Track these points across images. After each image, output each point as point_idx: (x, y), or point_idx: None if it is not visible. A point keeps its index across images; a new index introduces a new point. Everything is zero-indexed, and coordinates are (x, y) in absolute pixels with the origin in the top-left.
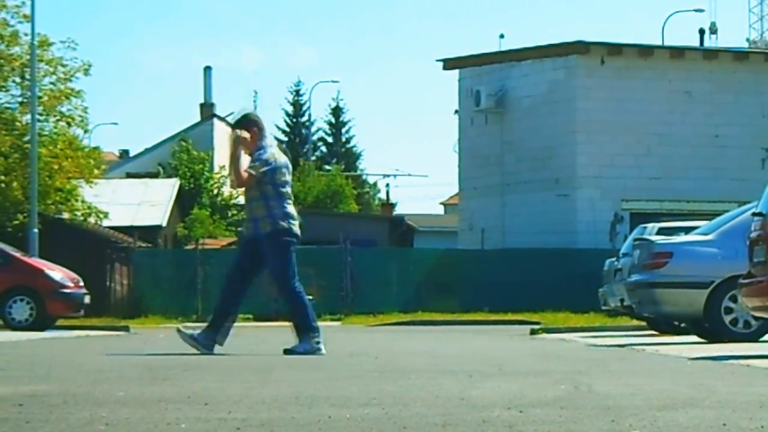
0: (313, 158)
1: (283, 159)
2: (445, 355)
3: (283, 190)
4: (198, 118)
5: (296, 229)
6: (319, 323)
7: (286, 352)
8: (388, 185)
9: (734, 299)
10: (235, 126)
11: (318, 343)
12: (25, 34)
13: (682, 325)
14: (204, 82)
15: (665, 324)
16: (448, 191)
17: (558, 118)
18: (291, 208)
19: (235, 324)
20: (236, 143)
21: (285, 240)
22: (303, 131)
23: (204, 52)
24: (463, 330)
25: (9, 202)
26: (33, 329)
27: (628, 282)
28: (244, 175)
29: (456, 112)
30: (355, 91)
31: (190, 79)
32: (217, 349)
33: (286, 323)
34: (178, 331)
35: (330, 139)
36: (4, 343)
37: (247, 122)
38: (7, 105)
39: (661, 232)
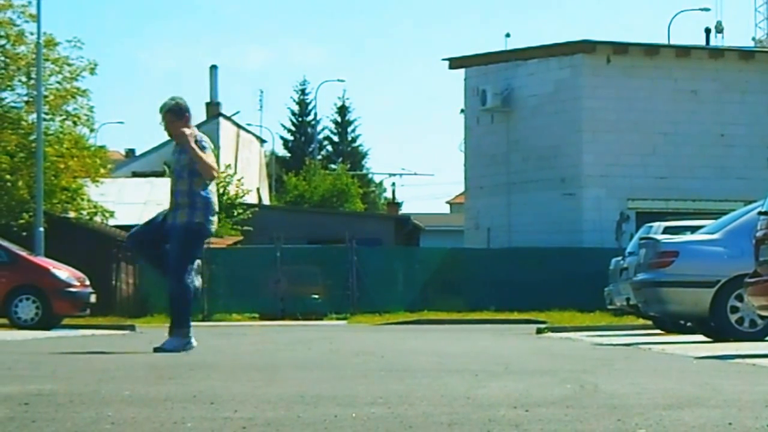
0: (319, 157)
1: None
2: (451, 354)
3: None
4: (204, 117)
5: (211, 224)
6: (326, 322)
7: (156, 350)
8: (393, 184)
9: (740, 298)
10: (171, 114)
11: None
12: (31, 34)
13: (688, 324)
14: (210, 81)
15: (671, 323)
16: (454, 190)
17: (564, 117)
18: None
19: (242, 323)
20: (191, 140)
21: (198, 234)
22: (309, 130)
23: (210, 51)
24: (469, 329)
25: (15, 201)
26: (39, 328)
27: (634, 281)
28: (214, 170)
29: (462, 111)
30: (360, 90)
31: (196, 78)
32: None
33: (293, 322)
34: (155, 349)
35: (336, 138)
36: (10, 342)
37: (181, 110)
38: (13, 104)
39: (667, 231)
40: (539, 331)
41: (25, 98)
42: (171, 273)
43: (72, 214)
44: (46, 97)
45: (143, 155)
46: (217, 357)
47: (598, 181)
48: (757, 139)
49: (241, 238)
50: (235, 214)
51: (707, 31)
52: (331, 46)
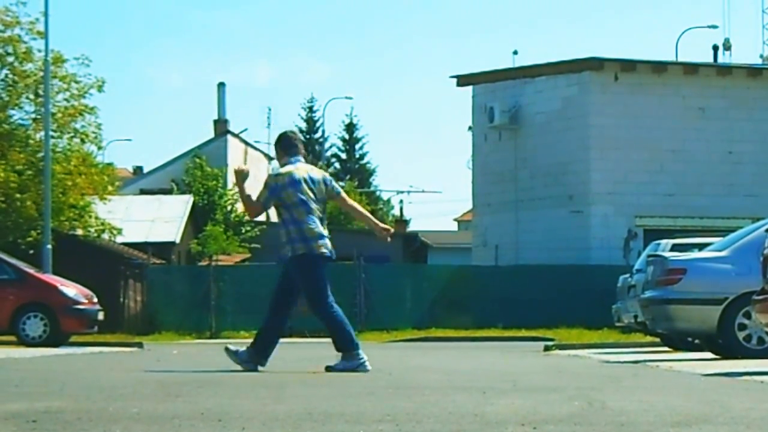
0: None
1: (294, 176)
2: (459, 372)
3: (298, 210)
4: (212, 135)
5: (318, 249)
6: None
7: (328, 369)
8: (401, 201)
9: (748, 316)
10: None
11: (360, 358)
12: (39, 51)
13: (696, 341)
14: (217, 98)
15: (679, 340)
16: (461, 207)
17: (571, 134)
18: (311, 227)
19: (250, 340)
20: (239, 179)
21: (307, 263)
22: (316, 147)
23: (217, 69)
24: (476, 346)
25: (23, 218)
26: (47, 345)
27: (642, 298)
28: (250, 208)
29: (470, 128)
30: (368, 107)
31: (204, 95)
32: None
33: (302, 339)
34: (226, 349)
35: (344, 156)
36: (18, 360)
37: (278, 142)
38: (20, 122)
39: (674, 248)
40: (547, 349)
41: (33, 116)
42: (311, 307)
43: (80, 232)
44: (53, 114)
45: (151, 173)
46: (224, 374)
47: (605, 199)
48: (765, 157)
49: (248, 255)
50: (243, 231)
51: (715, 48)
52: (339, 64)
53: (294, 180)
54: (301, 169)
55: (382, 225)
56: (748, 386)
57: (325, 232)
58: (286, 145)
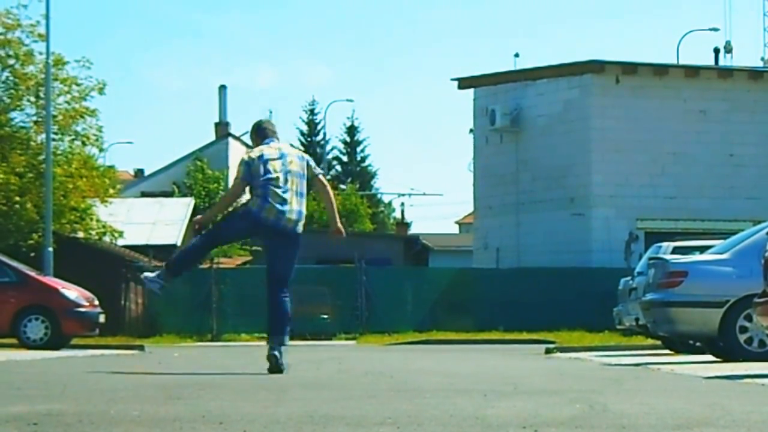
0: (328, 177)
1: (262, 153)
2: (460, 374)
3: (262, 180)
4: (213, 137)
5: (265, 214)
6: (335, 342)
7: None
8: (402, 204)
9: (749, 318)
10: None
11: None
12: (40, 53)
13: (697, 344)
14: (219, 101)
15: (680, 343)
16: (463, 210)
17: (573, 137)
18: (270, 198)
19: (251, 343)
20: (205, 221)
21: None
22: (318, 150)
23: (218, 71)
24: (477, 349)
25: (24, 221)
26: (48, 348)
27: (643, 301)
28: (232, 195)
29: (471, 131)
30: (369, 110)
31: (205, 98)
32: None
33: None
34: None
35: (345, 158)
36: (20, 362)
37: (251, 131)
38: (21, 124)
39: (676, 251)
40: (548, 351)
41: (34, 118)
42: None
43: (81, 234)
44: (54, 117)
45: (152, 175)
46: (226, 377)
47: (607, 201)
48: (767, 159)
49: (250, 258)
50: None
51: (716, 50)
52: (340, 67)
53: (262, 155)
54: (273, 147)
55: (339, 226)
56: (749, 389)
57: (293, 206)
58: (259, 131)
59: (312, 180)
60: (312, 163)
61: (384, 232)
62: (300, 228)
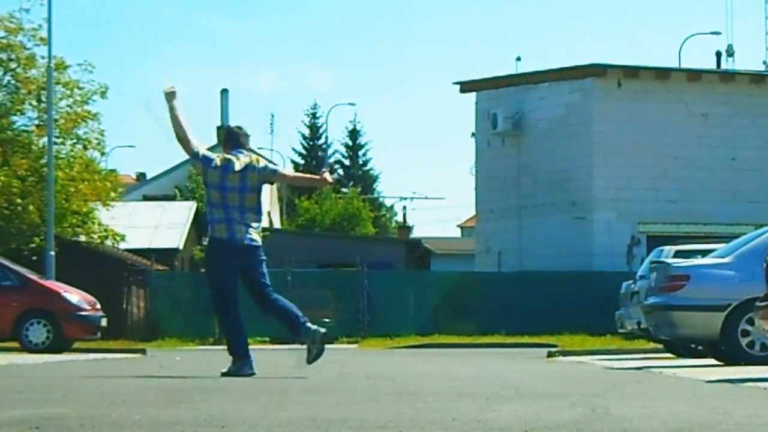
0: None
1: (221, 160)
2: (462, 378)
3: (209, 193)
4: (215, 141)
5: (217, 232)
6: (336, 345)
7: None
8: (404, 208)
9: (751, 322)
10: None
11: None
12: (42, 57)
13: (699, 347)
14: (221, 104)
15: (682, 347)
16: (464, 214)
17: (575, 140)
18: (215, 214)
19: (253, 347)
20: (169, 99)
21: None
22: (320, 154)
23: (220, 75)
24: (479, 353)
25: (26, 225)
26: (50, 352)
27: (645, 305)
28: (182, 138)
29: (473, 134)
30: (371, 113)
31: (207, 102)
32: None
33: (303, 345)
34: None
35: (347, 162)
36: (21, 366)
37: (223, 138)
38: (23, 128)
39: (677, 254)
40: (550, 355)
41: (36, 122)
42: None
43: (83, 238)
44: (56, 120)
45: (154, 179)
46: (227, 380)
47: (609, 205)
48: None
49: None
50: None
51: (718, 54)
52: (342, 70)
53: (213, 162)
54: (234, 156)
55: (317, 176)
56: (751, 393)
57: (248, 222)
58: (228, 139)
59: (273, 179)
60: (269, 167)
61: (386, 235)
62: (256, 238)
